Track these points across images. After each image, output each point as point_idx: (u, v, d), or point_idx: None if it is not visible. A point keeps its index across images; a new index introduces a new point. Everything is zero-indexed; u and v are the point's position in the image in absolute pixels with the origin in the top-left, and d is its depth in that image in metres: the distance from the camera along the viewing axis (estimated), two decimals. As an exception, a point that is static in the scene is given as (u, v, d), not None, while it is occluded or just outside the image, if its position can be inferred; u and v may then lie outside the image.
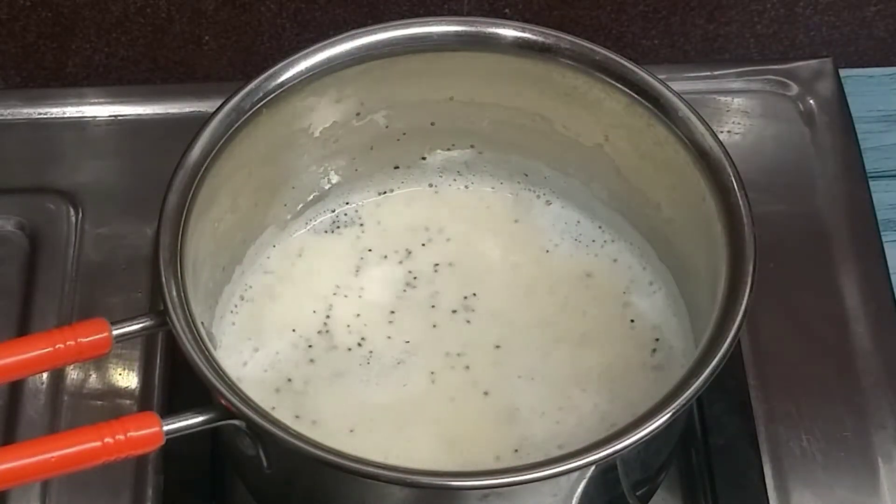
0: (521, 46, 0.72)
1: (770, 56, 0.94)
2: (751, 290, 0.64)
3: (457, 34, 0.72)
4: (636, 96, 0.71)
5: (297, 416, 0.71)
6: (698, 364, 0.63)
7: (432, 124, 0.77)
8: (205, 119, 0.69)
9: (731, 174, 0.68)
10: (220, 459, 0.75)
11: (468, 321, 0.74)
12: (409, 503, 0.64)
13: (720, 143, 0.69)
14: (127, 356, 0.78)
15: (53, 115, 0.88)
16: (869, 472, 0.75)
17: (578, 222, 0.78)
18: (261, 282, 0.75)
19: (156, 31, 0.90)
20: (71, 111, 0.88)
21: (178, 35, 0.91)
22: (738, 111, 0.88)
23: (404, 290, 0.75)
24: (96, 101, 0.88)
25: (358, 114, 0.75)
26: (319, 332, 0.74)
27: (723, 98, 0.88)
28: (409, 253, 0.77)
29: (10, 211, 0.83)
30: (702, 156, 0.69)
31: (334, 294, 0.75)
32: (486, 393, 0.72)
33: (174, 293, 0.64)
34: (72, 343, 0.63)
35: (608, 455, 0.61)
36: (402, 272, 0.76)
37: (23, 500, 0.74)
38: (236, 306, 0.74)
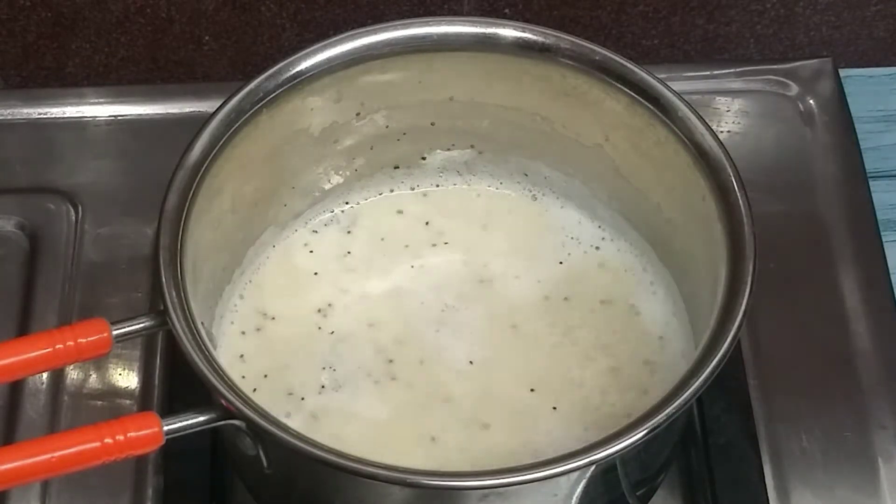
0: (521, 46, 0.72)
1: (770, 56, 0.94)
2: (751, 290, 0.64)
3: (456, 34, 0.72)
4: (636, 96, 0.71)
5: (298, 413, 0.71)
6: (698, 364, 0.63)
7: (432, 124, 0.77)
8: (205, 119, 0.69)
9: (731, 174, 0.68)
10: (220, 459, 0.75)
11: (468, 321, 0.74)
12: (408, 503, 0.64)
13: (720, 143, 0.69)
14: (127, 356, 0.78)
15: (53, 115, 0.88)
16: (869, 472, 0.75)
17: (579, 222, 0.78)
18: (261, 282, 0.75)
19: (156, 31, 0.90)
20: (71, 111, 0.88)
21: (178, 35, 0.91)
22: (738, 111, 0.88)
23: (404, 290, 0.75)
24: (96, 101, 0.88)
25: (358, 114, 0.75)
26: (319, 331, 0.74)
27: (723, 98, 0.88)
28: (410, 254, 0.77)
29: (10, 211, 0.83)
30: (702, 156, 0.69)
31: (334, 293, 0.75)
32: (485, 394, 0.72)
33: (174, 293, 0.64)
34: (72, 343, 0.63)
35: (608, 455, 0.61)
36: (402, 273, 0.76)
37: (23, 500, 0.74)
38: (236, 306, 0.74)
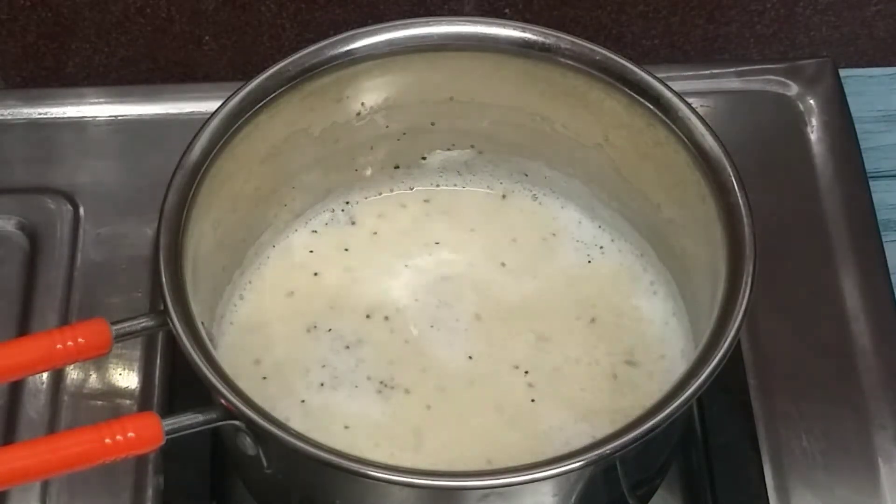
0: (521, 46, 0.72)
1: (770, 56, 0.94)
2: (751, 290, 0.64)
3: (457, 34, 0.72)
4: (636, 96, 0.71)
5: (298, 412, 0.71)
6: (698, 364, 0.63)
7: (432, 124, 0.77)
8: (205, 119, 0.69)
9: (731, 174, 0.68)
10: (220, 459, 0.75)
11: (468, 321, 0.74)
12: (409, 503, 0.64)
13: (720, 143, 0.69)
14: (127, 356, 0.78)
15: (53, 115, 0.88)
16: (869, 472, 0.75)
17: (579, 222, 0.78)
18: (261, 282, 0.75)
19: (156, 31, 0.90)
20: (71, 111, 0.88)
21: (178, 35, 0.91)
22: (738, 111, 0.88)
23: (405, 291, 0.75)
24: (96, 101, 0.88)
25: (358, 114, 0.75)
26: (319, 332, 0.74)
27: (723, 98, 0.88)
28: (410, 253, 0.77)
29: (10, 211, 0.83)
30: (702, 156, 0.69)
31: (333, 293, 0.75)
32: (484, 392, 0.72)
33: (174, 293, 0.64)
34: (72, 343, 0.63)
35: (608, 455, 0.61)
36: (402, 272, 0.76)
37: (23, 500, 0.74)
38: (236, 306, 0.74)
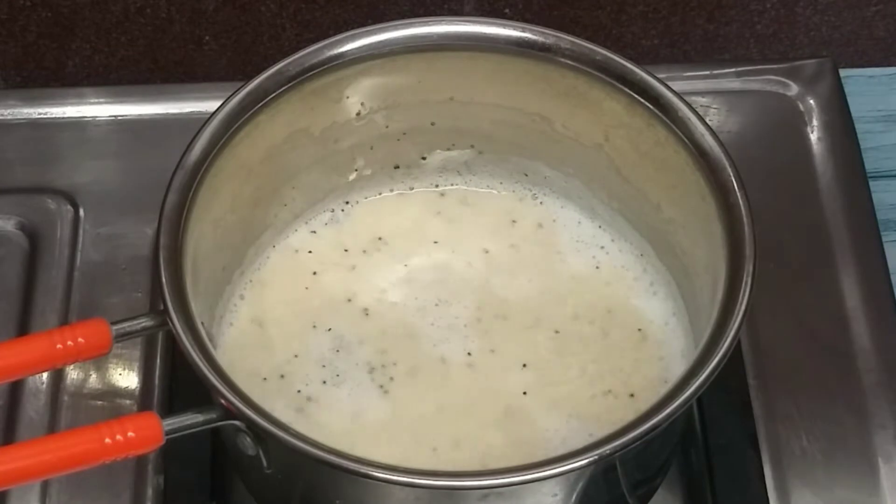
0: (521, 46, 0.72)
1: (770, 56, 0.94)
2: (750, 290, 0.64)
3: (457, 34, 0.72)
4: (636, 96, 0.71)
5: (298, 412, 0.71)
6: (698, 364, 0.63)
7: (432, 124, 0.77)
8: (205, 119, 0.69)
9: (731, 174, 0.68)
10: (220, 459, 0.75)
11: (467, 319, 0.74)
12: (408, 503, 0.64)
13: (720, 143, 0.69)
14: (127, 356, 0.78)
15: (53, 115, 0.88)
16: (869, 472, 0.75)
17: (579, 222, 0.78)
18: (260, 282, 0.75)
19: (156, 31, 0.90)
20: (71, 111, 0.88)
21: (178, 35, 0.91)
22: (738, 111, 0.88)
23: (404, 290, 0.75)
24: (96, 101, 0.88)
25: (358, 114, 0.75)
26: (318, 331, 0.74)
27: (723, 98, 0.88)
28: (410, 253, 0.77)
29: (10, 211, 0.83)
30: (702, 155, 0.69)
31: (333, 293, 0.75)
32: (483, 390, 0.72)
33: (174, 293, 0.64)
34: (72, 343, 0.63)
35: (608, 455, 0.61)
36: (402, 272, 0.76)
37: (23, 500, 0.74)
38: (236, 306, 0.74)
